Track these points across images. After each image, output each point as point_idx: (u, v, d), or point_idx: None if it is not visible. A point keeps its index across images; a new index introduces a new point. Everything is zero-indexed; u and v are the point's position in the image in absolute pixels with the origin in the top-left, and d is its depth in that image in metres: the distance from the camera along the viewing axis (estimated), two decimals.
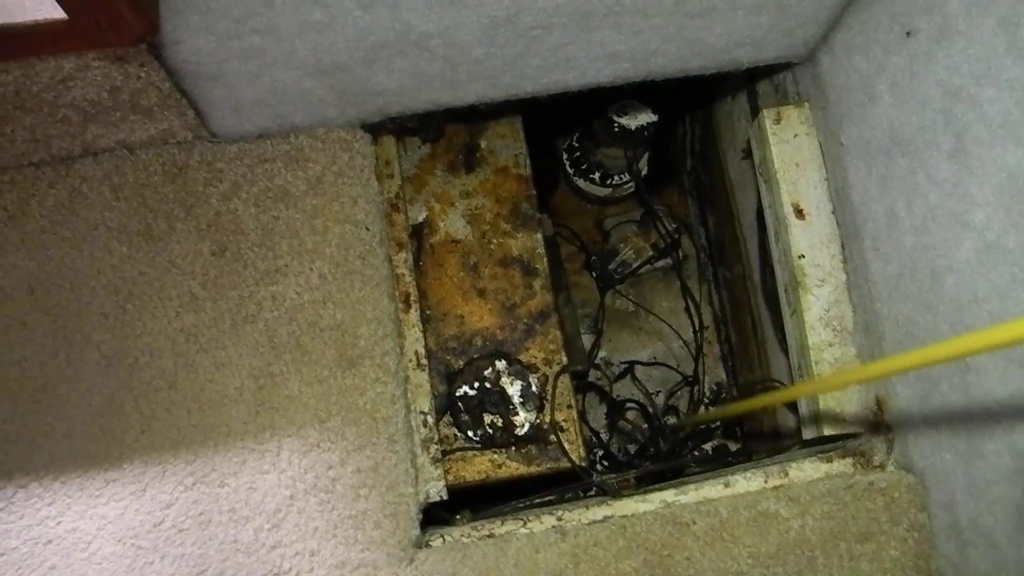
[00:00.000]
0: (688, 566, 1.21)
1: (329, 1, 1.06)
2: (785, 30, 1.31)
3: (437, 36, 1.16)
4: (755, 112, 1.70)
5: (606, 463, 2.02)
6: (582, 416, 2.06)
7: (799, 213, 1.41)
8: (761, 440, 1.93)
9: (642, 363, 2.17)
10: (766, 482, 1.29)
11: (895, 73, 1.17)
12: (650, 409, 2.06)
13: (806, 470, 1.30)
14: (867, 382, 1.34)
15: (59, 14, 0.94)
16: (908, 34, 1.13)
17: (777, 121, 1.45)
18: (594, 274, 2.20)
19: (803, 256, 1.39)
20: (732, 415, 2.04)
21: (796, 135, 1.44)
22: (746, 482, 1.29)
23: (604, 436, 2.07)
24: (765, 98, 1.65)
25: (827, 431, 1.35)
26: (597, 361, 2.12)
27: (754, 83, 1.69)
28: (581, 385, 2.07)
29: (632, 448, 2.06)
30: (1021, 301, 0.97)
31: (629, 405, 2.06)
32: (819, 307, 1.38)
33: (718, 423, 2.06)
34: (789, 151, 1.43)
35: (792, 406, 1.52)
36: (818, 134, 1.43)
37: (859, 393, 1.35)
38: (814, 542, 1.22)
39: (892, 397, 1.28)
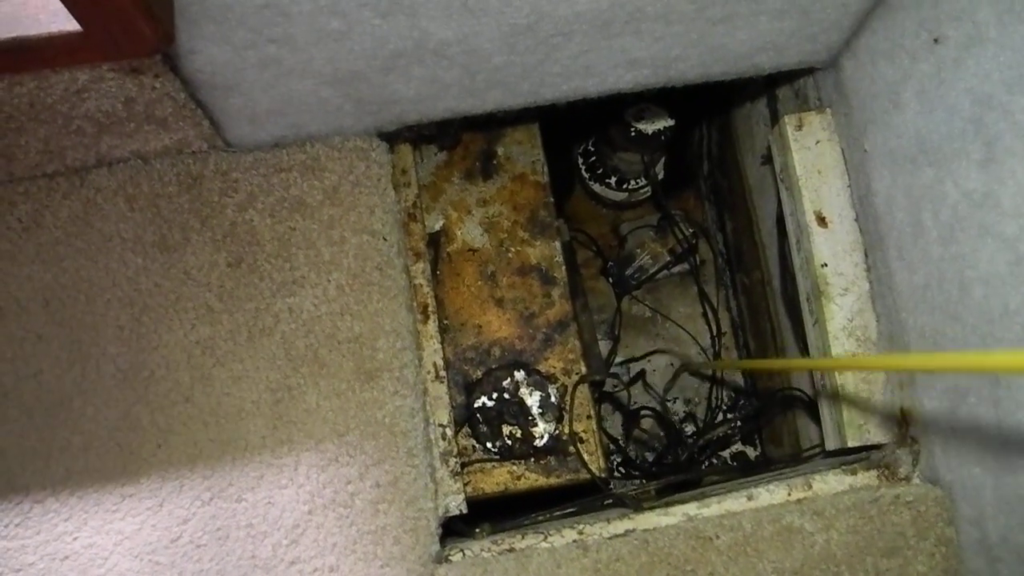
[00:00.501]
0: None
1: (347, 10, 1.04)
2: (808, 35, 1.29)
3: (456, 44, 1.15)
4: (775, 117, 1.68)
5: (623, 470, 2.00)
6: (599, 423, 2.04)
7: (821, 221, 1.39)
8: (781, 449, 1.91)
9: (662, 351, 2.15)
10: (789, 495, 1.27)
11: (922, 80, 1.15)
12: (667, 417, 2.04)
13: (830, 483, 1.28)
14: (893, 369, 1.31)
15: (73, 26, 0.92)
16: (936, 40, 1.11)
17: (799, 127, 1.42)
18: (611, 280, 2.18)
19: (826, 264, 1.37)
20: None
21: (818, 141, 1.41)
22: (769, 495, 1.27)
23: (622, 443, 2.05)
24: (785, 103, 1.63)
25: (851, 442, 1.33)
26: (614, 369, 2.09)
27: (774, 88, 1.67)
28: (597, 392, 2.05)
29: (649, 454, 2.04)
30: None
31: (644, 412, 2.04)
32: (842, 316, 1.35)
33: (735, 425, 2.04)
34: (811, 158, 1.41)
35: (815, 415, 1.50)
36: (840, 141, 1.41)
37: (883, 403, 1.33)
38: (839, 557, 1.20)
39: (918, 408, 1.26)
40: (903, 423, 1.30)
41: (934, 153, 1.14)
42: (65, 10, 0.91)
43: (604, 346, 2.10)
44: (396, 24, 1.09)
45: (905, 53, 1.18)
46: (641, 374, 2.06)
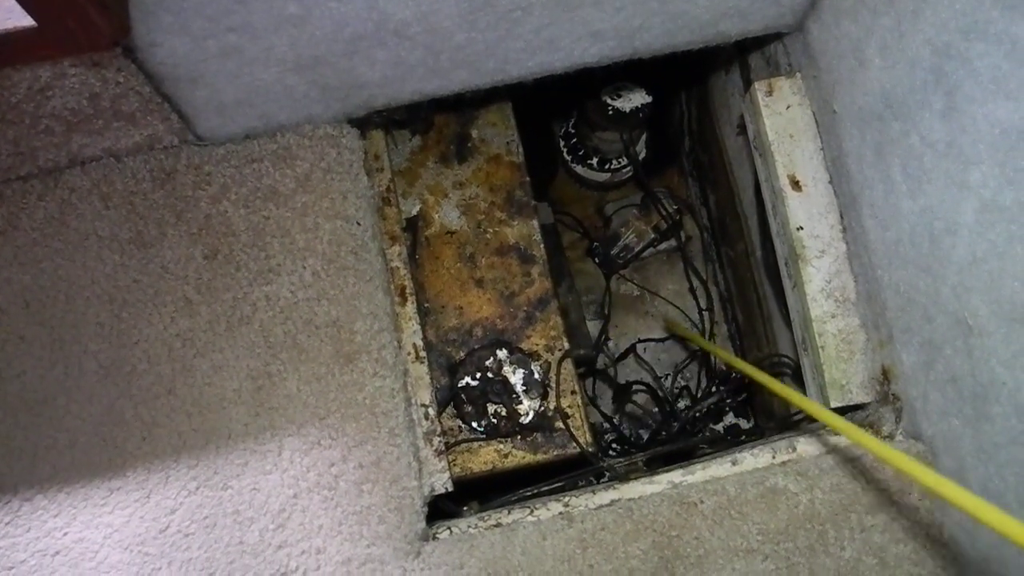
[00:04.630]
0: (697, 546, 1.20)
1: None
2: None
3: (415, 24, 1.15)
4: (748, 86, 1.67)
5: (616, 447, 2.00)
6: (593, 401, 2.04)
7: (795, 185, 1.39)
8: (771, 416, 1.91)
9: (653, 340, 2.15)
10: (774, 458, 1.27)
11: (883, 35, 1.15)
12: (660, 392, 2.04)
13: (814, 444, 1.28)
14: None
15: (29, 22, 0.93)
16: None
17: (769, 93, 1.42)
18: (597, 260, 2.19)
19: (801, 228, 1.37)
20: (731, 365, 1.99)
21: (789, 106, 1.41)
22: (754, 459, 1.27)
23: (616, 420, 2.05)
24: (757, 71, 1.63)
25: (834, 403, 1.33)
26: (612, 351, 2.10)
27: (746, 56, 1.67)
28: (589, 371, 2.06)
29: (644, 432, 2.04)
30: (1020, 259, 0.95)
31: (637, 387, 2.04)
32: (820, 279, 1.36)
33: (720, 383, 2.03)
34: (782, 123, 1.41)
35: (799, 380, 1.50)
36: (811, 104, 1.41)
37: (865, 363, 1.33)
38: (824, 516, 1.21)
39: (898, 365, 1.26)
40: (885, 381, 1.31)
41: (899, 107, 1.14)
42: (19, 6, 0.91)
43: (595, 326, 2.10)
44: (354, 6, 1.09)
45: (866, 9, 1.18)
46: (631, 349, 2.06)
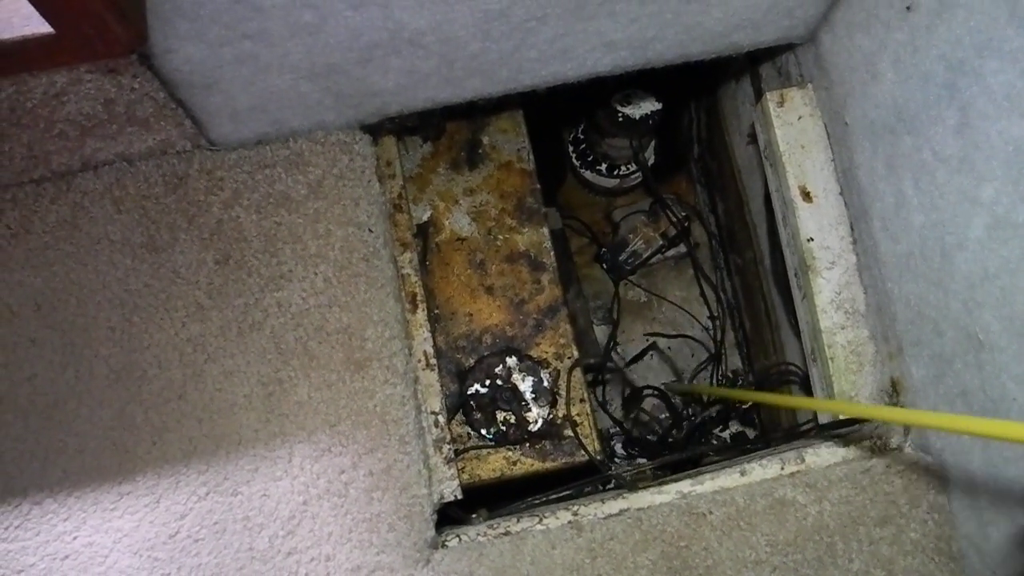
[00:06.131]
0: (706, 556, 1.20)
1: (319, 2, 1.05)
2: (784, 10, 1.29)
3: (430, 33, 1.15)
4: (759, 96, 1.68)
5: (629, 450, 2.00)
6: (603, 406, 2.05)
7: (806, 196, 1.39)
8: (778, 426, 1.91)
9: (664, 335, 2.15)
10: (782, 469, 1.27)
11: (897, 49, 1.15)
12: (673, 399, 2.05)
13: (823, 455, 1.28)
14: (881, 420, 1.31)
15: (47, 29, 0.93)
16: (908, 8, 1.11)
17: (781, 104, 1.43)
18: (605, 266, 2.19)
19: (812, 239, 1.37)
20: (735, 399, 2.00)
21: (800, 117, 1.42)
22: (762, 469, 1.28)
23: (626, 425, 2.06)
24: (768, 81, 1.63)
25: (843, 415, 1.33)
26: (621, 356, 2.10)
27: (757, 66, 1.67)
28: (599, 377, 2.06)
29: (652, 438, 2.04)
30: None
31: (647, 392, 2.05)
32: (830, 290, 1.36)
33: (725, 404, 2.03)
34: (794, 133, 1.41)
35: (807, 390, 1.50)
36: (822, 115, 1.41)
37: (874, 375, 1.33)
38: (832, 527, 1.21)
39: (907, 377, 1.26)
40: (893, 393, 1.31)
41: (911, 121, 1.14)
42: (37, 13, 0.92)
43: (603, 331, 2.11)
44: (369, 15, 1.09)
45: (880, 23, 1.18)
46: (643, 353, 2.07)
